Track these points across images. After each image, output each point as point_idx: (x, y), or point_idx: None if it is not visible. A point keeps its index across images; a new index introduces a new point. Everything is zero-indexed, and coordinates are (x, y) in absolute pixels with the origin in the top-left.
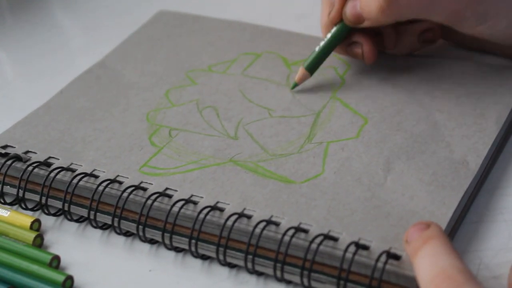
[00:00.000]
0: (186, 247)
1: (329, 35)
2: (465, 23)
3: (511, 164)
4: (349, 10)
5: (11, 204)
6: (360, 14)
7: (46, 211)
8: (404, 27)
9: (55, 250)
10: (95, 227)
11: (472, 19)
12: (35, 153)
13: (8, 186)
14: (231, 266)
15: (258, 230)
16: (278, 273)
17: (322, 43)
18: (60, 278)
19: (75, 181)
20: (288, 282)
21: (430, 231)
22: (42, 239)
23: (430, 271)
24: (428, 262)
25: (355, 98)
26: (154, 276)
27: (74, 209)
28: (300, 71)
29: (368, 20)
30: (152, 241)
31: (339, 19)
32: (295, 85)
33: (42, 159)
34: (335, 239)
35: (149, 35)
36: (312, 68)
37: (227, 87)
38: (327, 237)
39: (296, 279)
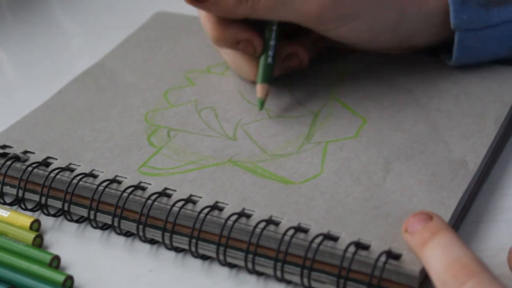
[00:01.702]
0: (186, 247)
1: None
2: (325, 25)
3: (510, 164)
4: None
5: (10, 204)
6: None
7: (45, 212)
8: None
9: (55, 250)
10: (95, 227)
11: (333, 22)
12: (33, 153)
13: (8, 186)
14: (231, 266)
15: (258, 229)
16: (278, 273)
17: (269, 42)
18: (60, 278)
19: (74, 181)
20: (288, 282)
21: (436, 222)
22: (42, 239)
23: (444, 260)
24: (441, 252)
25: (353, 98)
26: (154, 276)
27: (74, 209)
28: (259, 87)
29: (215, 6)
30: (152, 241)
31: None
32: (262, 102)
33: (40, 159)
34: (334, 239)
35: (147, 36)
36: (267, 78)
37: (226, 88)
38: (326, 237)
39: (296, 279)
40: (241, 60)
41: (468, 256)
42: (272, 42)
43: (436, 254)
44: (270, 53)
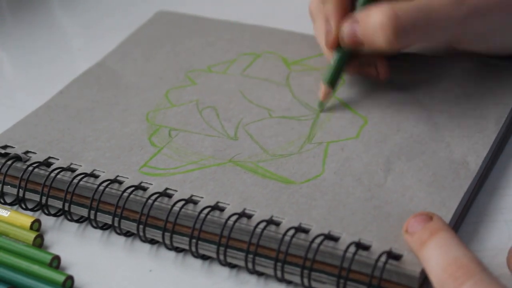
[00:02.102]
0: (187, 247)
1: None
2: (464, 43)
3: (511, 164)
4: (347, 34)
5: (11, 204)
6: (361, 42)
7: (46, 212)
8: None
9: (55, 250)
10: (95, 227)
11: (472, 39)
12: (34, 153)
13: (9, 186)
14: (232, 266)
15: (258, 229)
16: (279, 273)
17: (335, 56)
18: (60, 278)
19: (75, 181)
20: (289, 282)
21: (435, 223)
22: (42, 239)
23: (442, 260)
24: (439, 252)
25: (355, 98)
26: (154, 276)
27: (74, 209)
28: (323, 88)
29: (369, 48)
30: (152, 241)
31: (337, 43)
32: (322, 105)
33: (41, 159)
34: (335, 239)
35: (148, 36)
36: (333, 81)
37: (227, 87)
38: (327, 237)
39: (296, 279)
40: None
41: (467, 256)
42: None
43: (435, 254)
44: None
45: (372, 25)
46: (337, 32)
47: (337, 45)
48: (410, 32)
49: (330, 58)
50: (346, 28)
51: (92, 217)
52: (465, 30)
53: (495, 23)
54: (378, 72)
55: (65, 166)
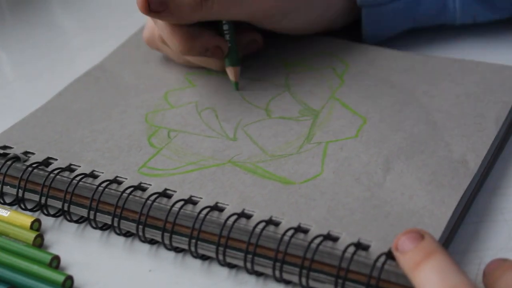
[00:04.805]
0: (186, 247)
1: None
2: (270, 20)
3: (511, 164)
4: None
5: (10, 204)
6: (165, 3)
7: (45, 212)
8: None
9: (55, 250)
10: (94, 228)
11: (277, 16)
12: (33, 153)
13: (8, 186)
14: (231, 266)
15: (257, 230)
16: (277, 273)
17: (226, 37)
18: (60, 278)
19: (74, 181)
20: (288, 282)
21: (428, 243)
22: (42, 239)
23: (440, 287)
24: (436, 278)
25: (354, 98)
26: (154, 276)
27: (74, 209)
28: (229, 70)
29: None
30: (152, 241)
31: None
32: (236, 84)
33: (40, 160)
34: (334, 239)
35: None
36: (236, 61)
37: (226, 88)
38: (326, 237)
39: (295, 279)
40: (209, 60)
41: (466, 283)
42: (228, 32)
43: (431, 280)
44: (233, 43)
45: None
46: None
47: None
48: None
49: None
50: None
51: (91, 217)
52: (271, 6)
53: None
54: (258, 43)
55: (64, 166)
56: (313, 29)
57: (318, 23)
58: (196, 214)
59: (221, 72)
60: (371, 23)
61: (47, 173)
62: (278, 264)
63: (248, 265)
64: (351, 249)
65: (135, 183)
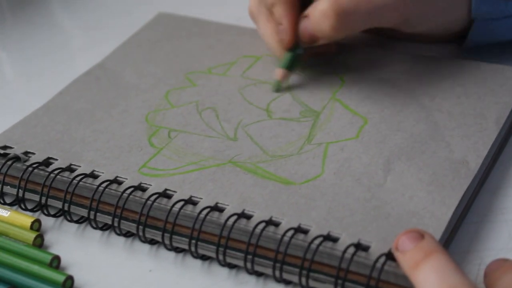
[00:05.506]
0: (186, 247)
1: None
2: (408, 24)
3: (511, 164)
4: (302, 32)
5: (10, 204)
6: (314, 35)
7: (45, 212)
8: None
9: (55, 250)
10: (95, 228)
11: (414, 20)
12: (34, 153)
13: (8, 186)
14: (231, 266)
15: (258, 230)
16: (277, 273)
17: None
18: (60, 278)
19: (75, 181)
20: (288, 282)
21: (428, 243)
22: (43, 239)
23: (438, 286)
24: (435, 277)
25: (354, 99)
26: (154, 276)
27: (74, 209)
28: (280, 71)
29: (322, 39)
30: (152, 242)
31: (293, 42)
32: (279, 84)
33: (41, 160)
34: (334, 240)
35: (148, 37)
36: (291, 67)
37: (227, 88)
38: (326, 238)
39: (295, 279)
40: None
41: (464, 283)
42: None
43: (430, 279)
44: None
45: (317, 14)
46: (293, 33)
47: (294, 45)
48: (352, 15)
49: (282, 57)
50: (301, 25)
51: (91, 217)
52: (406, 10)
53: (437, 2)
54: (329, 45)
55: (64, 166)
56: (434, 35)
57: (441, 31)
58: (196, 214)
59: (222, 73)
60: (479, 34)
61: (47, 173)
62: (278, 264)
63: (248, 265)
64: (351, 250)
65: (136, 183)
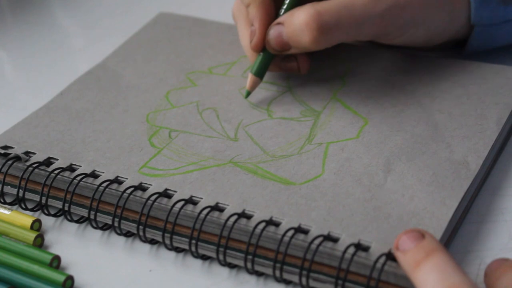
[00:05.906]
0: (186, 247)
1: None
2: (388, 36)
3: (511, 165)
4: (273, 38)
5: (11, 204)
6: (287, 43)
7: (46, 212)
8: None
9: (55, 250)
10: (95, 228)
11: (394, 32)
12: (34, 153)
13: (9, 186)
14: (231, 266)
15: (258, 230)
16: (278, 273)
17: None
18: (61, 278)
19: (75, 181)
20: (288, 282)
21: (429, 242)
22: (43, 239)
23: (439, 286)
24: (436, 276)
25: (355, 99)
26: (154, 276)
27: (74, 209)
28: (250, 78)
29: (296, 48)
30: (152, 242)
31: (262, 47)
32: (248, 93)
33: (41, 159)
34: (335, 240)
35: (149, 37)
36: (260, 72)
37: (227, 88)
38: (327, 238)
39: (295, 279)
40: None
41: (465, 282)
42: None
43: (431, 279)
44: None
45: (297, 25)
46: (262, 35)
47: (262, 48)
48: (334, 29)
49: (253, 59)
50: (272, 30)
51: (92, 217)
52: (386, 23)
53: (416, 15)
54: (300, 66)
55: (65, 166)
56: (429, 43)
57: (438, 38)
58: (196, 214)
59: (222, 73)
60: (478, 39)
61: (47, 173)
62: (278, 264)
63: (249, 265)
64: (351, 250)
65: (136, 183)
